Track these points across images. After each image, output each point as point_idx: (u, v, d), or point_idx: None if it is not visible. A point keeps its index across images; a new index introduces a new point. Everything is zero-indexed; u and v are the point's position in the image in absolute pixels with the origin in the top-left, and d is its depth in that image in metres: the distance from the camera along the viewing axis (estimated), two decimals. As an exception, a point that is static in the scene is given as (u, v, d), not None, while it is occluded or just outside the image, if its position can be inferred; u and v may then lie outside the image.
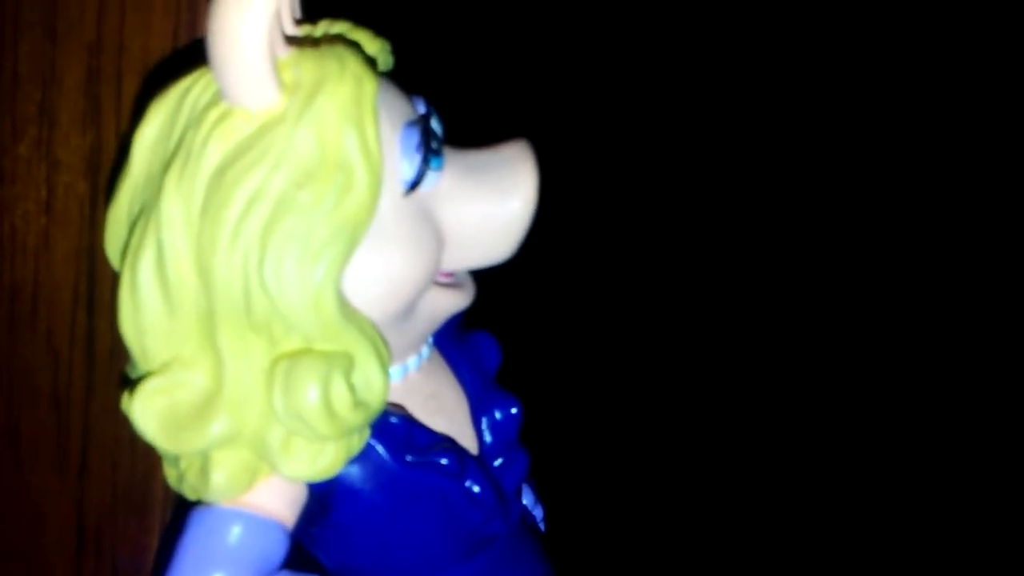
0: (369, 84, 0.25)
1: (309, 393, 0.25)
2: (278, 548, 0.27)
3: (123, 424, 0.34)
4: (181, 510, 0.28)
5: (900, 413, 0.90)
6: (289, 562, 0.28)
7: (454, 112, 0.31)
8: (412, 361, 0.30)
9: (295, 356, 0.25)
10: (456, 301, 0.29)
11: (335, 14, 0.28)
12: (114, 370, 0.34)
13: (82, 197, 0.33)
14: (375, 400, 0.26)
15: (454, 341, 0.32)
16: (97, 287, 0.34)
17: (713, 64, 0.97)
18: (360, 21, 0.29)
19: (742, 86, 0.98)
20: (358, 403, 0.26)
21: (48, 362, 0.34)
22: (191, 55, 0.29)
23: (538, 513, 0.36)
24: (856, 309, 0.95)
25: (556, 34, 0.92)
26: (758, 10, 0.97)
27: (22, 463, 0.35)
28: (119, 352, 0.34)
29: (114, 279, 0.33)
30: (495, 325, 0.34)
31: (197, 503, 0.27)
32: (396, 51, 0.29)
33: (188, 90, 0.26)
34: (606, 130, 0.95)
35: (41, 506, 0.35)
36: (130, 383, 0.27)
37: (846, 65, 0.99)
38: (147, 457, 0.34)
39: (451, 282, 0.29)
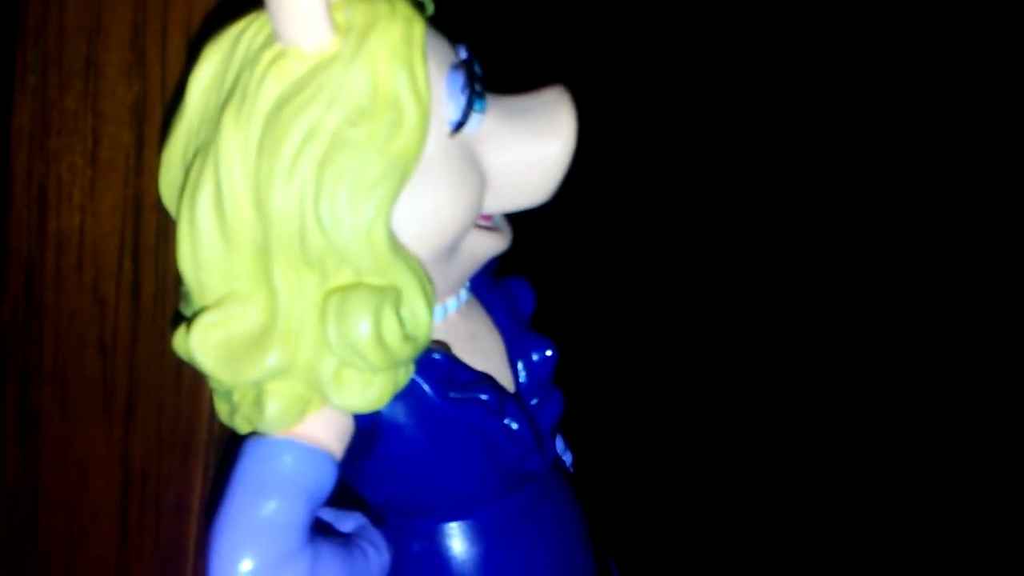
0: (418, 26, 0.26)
1: (361, 324, 0.26)
2: (329, 478, 0.28)
3: (168, 368, 0.35)
4: (232, 446, 0.29)
5: (914, 410, 0.90)
6: (332, 500, 0.29)
7: (490, 61, 0.32)
8: (452, 303, 0.31)
9: (347, 289, 0.26)
10: (495, 244, 0.30)
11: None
12: (159, 316, 0.35)
13: (127, 148, 0.34)
14: (421, 334, 0.27)
15: (490, 287, 0.34)
16: (142, 236, 0.35)
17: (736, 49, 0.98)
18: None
19: (762, 76, 0.99)
20: (406, 336, 0.27)
21: (94, 309, 0.35)
22: (234, 8, 0.30)
23: (567, 458, 0.37)
24: (863, 300, 0.96)
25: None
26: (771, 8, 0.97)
27: (69, 408, 0.36)
28: (164, 299, 0.35)
29: (159, 227, 0.35)
30: (529, 271, 0.35)
31: (248, 436, 0.28)
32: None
33: (242, 33, 0.27)
34: (642, 79, 0.95)
35: (88, 450, 0.36)
36: (184, 320, 0.28)
37: (847, 65, 1.00)
38: (192, 400, 0.35)
39: (490, 225, 0.30)
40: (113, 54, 0.34)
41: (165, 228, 0.34)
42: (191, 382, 0.35)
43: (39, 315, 0.36)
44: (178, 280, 0.34)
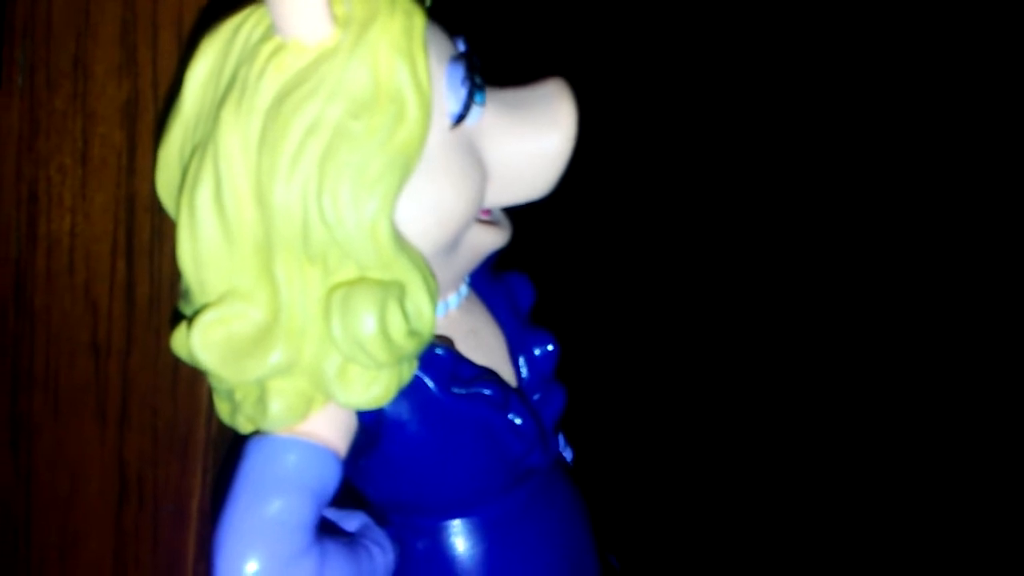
0: (419, 18, 0.26)
1: (366, 319, 0.25)
2: (334, 476, 0.27)
3: (163, 371, 0.35)
4: (234, 447, 0.28)
5: (911, 411, 0.91)
6: (335, 500, 0.29)
7: (487, 54, 0.31)
8: (452, 299, 0.31)
9: (351, 285, 0.26)
10: (495, 238, 0.30)
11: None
12: (154, 319, 0.34)
13: (119, 148, 0.34)
14: (425, 328, 0.27)
15: (489, 282, 0.33)
16: (135, 237, 0.34)
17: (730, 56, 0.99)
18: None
19: (757, 80, 0.99)
20: (411, 331, 0.27)
21: (87, 312, 0.35)
22: (226, 4, 0.30)
23: (567, 455, 0.37)
24: (864, 299, 0.97)
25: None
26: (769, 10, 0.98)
27: (62, 413, 0.36)
28: (159, 301, 0.34)
29: (153, 228, 0.34)
30: (526, 265, 0.35)
31: (250, 436, 0.28)
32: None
33: (239, 26, 0.26)
34: (641, 68, 0.95)
35: (82, 454, 0.36)
36: (183, 319, 0.28)
37: (847, 65, 1.00)
38: (188, 403, 0.34)
39: (490, 219, 0.30)
40: (102, 52, 0.33)
41: (160, 228, 0.34)
42: (187, 385, 0.34)
43: (30, 318, 0.35)
44: (173, 281, 0.34)
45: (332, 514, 0.31)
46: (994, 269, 0.97)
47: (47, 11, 0.34)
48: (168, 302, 0.34)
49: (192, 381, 0.34)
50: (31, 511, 0.37)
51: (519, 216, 0.32)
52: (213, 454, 0.35)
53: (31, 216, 0.35)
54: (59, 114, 0.34)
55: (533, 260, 0.36)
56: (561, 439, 0.37)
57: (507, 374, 0.32)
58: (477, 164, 0.28)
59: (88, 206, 0.34)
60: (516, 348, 0.33)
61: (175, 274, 0.34)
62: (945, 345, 0.94)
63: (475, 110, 0.28)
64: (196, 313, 0.27)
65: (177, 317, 0.29)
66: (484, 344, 0.32)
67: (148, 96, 0.33)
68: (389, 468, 0.30)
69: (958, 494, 0.85)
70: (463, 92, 0.27)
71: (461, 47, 0.29)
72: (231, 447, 0.31)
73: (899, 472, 0.86)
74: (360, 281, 0.26)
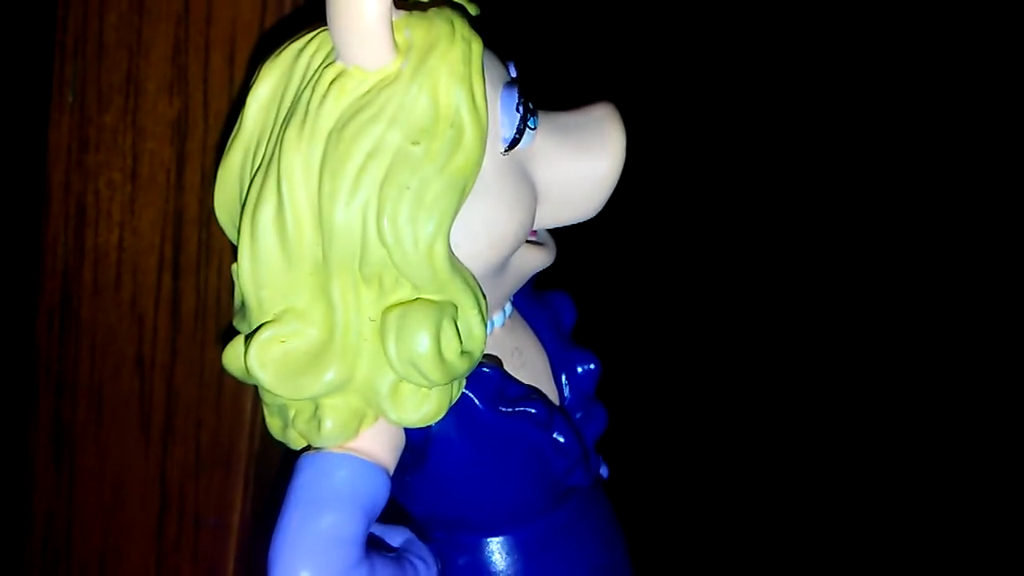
0: (477, 46, 0.26)
1: (421, 339, 0.26)
2: (383, 491, 0.28)
3: (207, 385, 0.35)
4: (286, 462, 0.29)
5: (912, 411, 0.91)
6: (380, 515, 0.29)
7: (534, 76, 0.32)
8: (498, 318, 0.31)
9: (406, 305, 0.26)
10: (542, 258, 0.31)
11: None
12: (199, 333, 0.35)
13: (167, 164, 0.34)
14: (476, 348, 0.28)
15: (532, 301, 0.34)
16: (182, 252, 0.35)
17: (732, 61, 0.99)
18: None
19: (758, 82, 1.00)
20: (463, 351, 0.27)
21: (132, 326, 0.35)
22: (280, 29, 0.30)
23: (604, 471, 0.38)
24: (865, 297, 0.97)
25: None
26: (767, 10, 0.99)
27: (106, 425, 0.36)
28: (204, 315, 0.35)
29: (200, 243, 0.35)
30: (568, 284, 0.35)
31: (300, 452, 0.28)
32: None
33: (300, 52, 0.27)
34: (679, 94, 0.96)
35: (125, 467, 0.36)
36: (232, 335, 0.28)
37: (848, 66, 1.01)
38: (231, 417, 0.35)
39: (537, 240, 0.31)
40: (154, 70, 0.34)
41: (207, 244, 0.34)
42: (231, 398, 0.35)
43: (76, 331, 0.36)
44: (219, 296, 0.35)
45: (377, 530, 0.31)
46: (994, 269, 0.97)
47: (99, 30, 0.34)
48: (214, 317, 0.34)
49: (236, 395, 0.35)
50: (73, 521, 0.37)
51: (561, 235, 0.33)
52: (255, 468, 0.35)
53: (79, 230, 0.35)
54: (109, 129, 0.35)
55: (575, 279, 0.36)
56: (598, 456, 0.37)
57: (550, 392, 0.32)
58: (529, 187, 0.28)
59: (136, 221, 0.35)
60: (558, 366, 0.33)
61: (221, 289, 0.34)
62: (969, 349, 0.95)
63: (528, 134, 0.28)
64: (253, 331, 0.27)
65: (225, 334, 0.29)
66: (528, 362, 0.32)
67: (198, 114, 0.34)
68: (435, 485, 0.30)
69: (960, 496, 0.85)
70: (516, 117, 0.28)
71: (513, 72, 0.29)
72: (283, 461, 0.31)
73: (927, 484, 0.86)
74: (415, 302, 0.26)
